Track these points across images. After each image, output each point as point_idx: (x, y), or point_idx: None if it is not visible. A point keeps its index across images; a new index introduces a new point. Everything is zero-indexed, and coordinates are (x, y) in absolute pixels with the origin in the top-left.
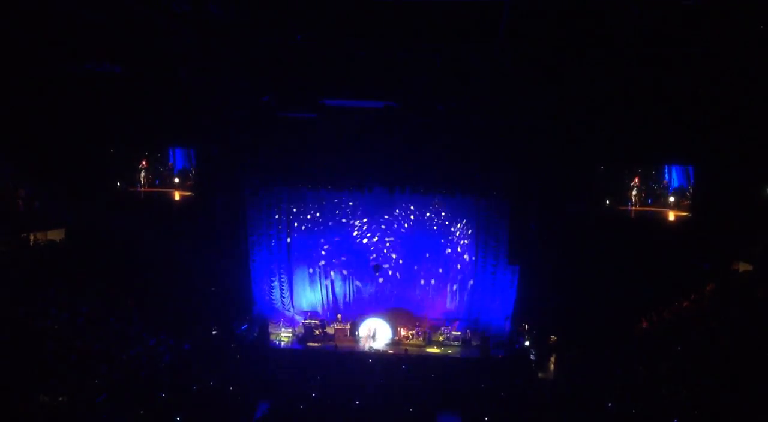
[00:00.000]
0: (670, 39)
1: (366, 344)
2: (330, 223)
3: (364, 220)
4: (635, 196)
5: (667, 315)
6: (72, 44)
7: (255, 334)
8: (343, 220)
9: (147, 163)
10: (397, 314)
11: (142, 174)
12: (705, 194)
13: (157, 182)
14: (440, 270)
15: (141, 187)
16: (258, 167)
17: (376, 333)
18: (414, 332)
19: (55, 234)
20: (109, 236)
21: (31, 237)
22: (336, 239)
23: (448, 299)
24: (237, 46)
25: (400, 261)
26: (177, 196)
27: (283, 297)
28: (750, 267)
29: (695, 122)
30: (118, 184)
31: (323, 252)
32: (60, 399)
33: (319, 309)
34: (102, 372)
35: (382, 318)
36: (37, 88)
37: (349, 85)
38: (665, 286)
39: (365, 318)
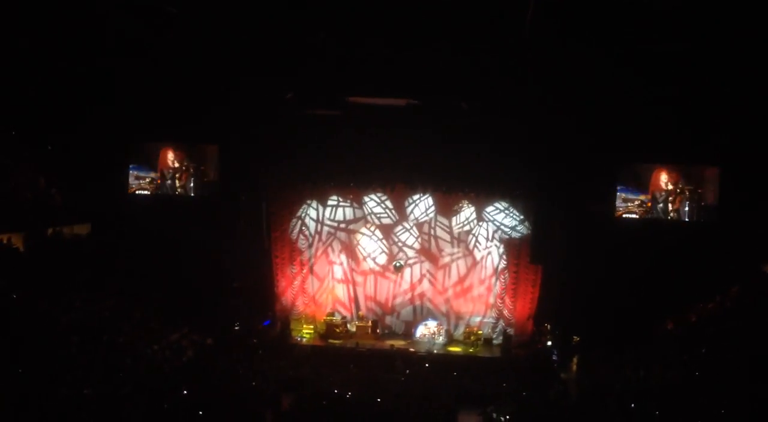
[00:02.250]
0: (697, 36)
1: (432, 341)
2: (352, 221)
3: (387, 218)
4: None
5: (692, 316)
6: (96, 40)
7: (277, 330)
8: (366, 218)
9: (173, 158)
10: (418, 312)
11: (169, 168)
12: (730, 194)
13: (182, 177)
14: (462, 270)
15: (165, 181)
16: (282, 164)
17: (440, 332)
18: (436, 331)
19: (81, 229)
20: (133, 231)
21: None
22: (358, 237)
23: (471, 298)
24: (261, 44)
25: (422, 260)
26: (201, 192)
27: (305, 293)
28: None
29: (720, 122)
30: (143, 178)
31: (345, 250)
32: (85, 391)
33: (341, 306)
34: (126, 366)
35: (430, 318)
36: (61, 84)
37: (372, 82)
38: (690, 287)
39: (425, 322)
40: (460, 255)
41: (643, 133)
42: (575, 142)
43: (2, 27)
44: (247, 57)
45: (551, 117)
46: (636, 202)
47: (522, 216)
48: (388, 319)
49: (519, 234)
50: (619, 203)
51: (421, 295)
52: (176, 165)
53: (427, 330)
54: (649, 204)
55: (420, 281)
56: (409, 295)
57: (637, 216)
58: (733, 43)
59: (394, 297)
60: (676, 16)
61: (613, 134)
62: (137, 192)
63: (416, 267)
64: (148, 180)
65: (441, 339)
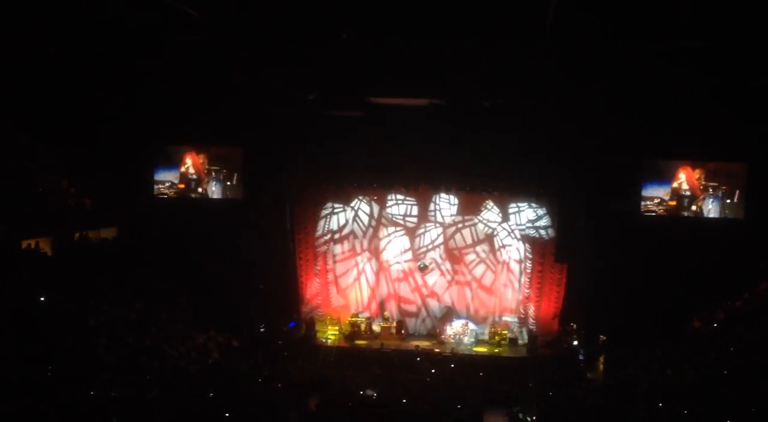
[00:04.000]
0: (720, 32)
1: (460, 341)
2: (376, 221)
3: (410, 218)
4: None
5: (720, 314)
6: (119, 43)
7: (302, 331)
8: (389, 218)
9: (197, 160)
10: (443, 312)
11: (193, 171)
12: (758, 190)
13: (206, 180)
14: (487, 269)
15: (190, 184)
16: (304, 165)
17: (466, 332)
18: (462, 330)
19: (108, 233)
20: (159, 234)
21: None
22: (382, 237)
23: (496, 298)
24: (283, 45)
25: (447, 260)
26: (225, 194)
27: (330, 295)
28: None
29: (747, 117)
30: (168, 181)
31: (369, 250)
32: (112, 394)
33: (365, 307)
34: (153, 368)
35: (465, 318)
36: (87, 88)
37: (394, 82)
38: (717, 285)
39: (451, 322)
40: (484, 254)
41: (668, 129)
42: (599, 140)
43: (27, 33)
44: (269, 58)
45: (575, 114)
46: (661, 200)
47: (547, 215)
48: (412, 320)
49: (544, 233)
50: (644, 201)
51: (446, 295)
52: (201, 168)
53: (452, 330)
54: (675, 201)
55: (445, 281)
56: (433, 295)
57: (663, 214)
58: (762, 36)
59: (419, 297)
60: (704, 11)
61: (638, 131)
62: (162, 195)
63: (441, 268)
64: (173, 183)
65: (467, 339)
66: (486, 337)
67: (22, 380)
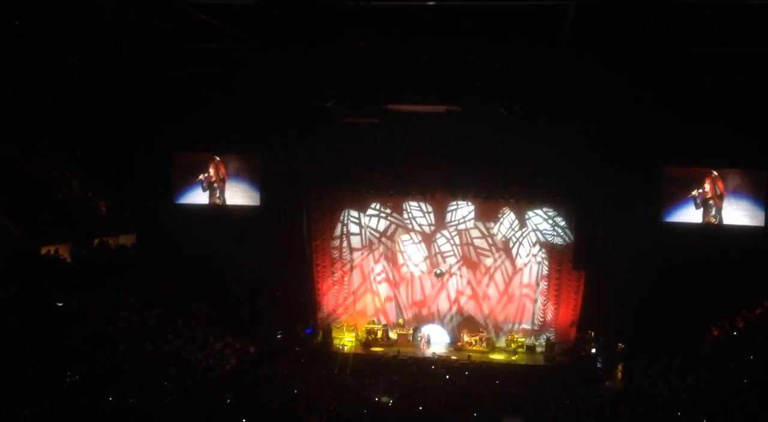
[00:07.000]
0: (739, 40)
1: (424, 349)
2: (393, 228)
3: (427, 225)
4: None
5: (740, 322)
6: (140, 52)
7: (319, 338)
8: (406, 225)
9: (216, 168)
10: (460, 320)
11: (210, 178)
12: None
13: (224, 187)
14: (504, 276)
15: (208, 191)
16: (321, 172)
17: (429, 339)
18: (477, 338)
19: (126, 239)
20: (177, 241)
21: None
22: (398, 244)
23: (513, 305)
24: (300, 53)
25: (464, 267)
26: (243, 201)
27: (346, 302)
28: None
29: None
30: (187, 188)
31: (386, 257)
32: (130, 400)
33: (382, 314)
34: (171, 374)
35: (439, 323)
36: (106, 94)
37: (411, 90)
38: (738, 293)
39: (423, 325)
40: (501, 262)
41: (690, 136)
42: (619, 146)
43: (52, 42)
44: (287, 66)
45: (594, 120)
46: (681, 206)
47: (564, 222)
48: (429, 327)
49: (561, 240)
50: (663, 207)
51: (462, 303)
52: (219, 175)
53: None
54: (695, 208)
55: (460, 288)
56: (449, 303)
57: (683, 221)
58: None
59: (435, 305)
60: (721, 19)
61: (658, 137)
62: (181, 202)
63: (457, 275)
64: (191, 190)
65: (431, 346)
66: (502, 345)
67: (41, 386)
